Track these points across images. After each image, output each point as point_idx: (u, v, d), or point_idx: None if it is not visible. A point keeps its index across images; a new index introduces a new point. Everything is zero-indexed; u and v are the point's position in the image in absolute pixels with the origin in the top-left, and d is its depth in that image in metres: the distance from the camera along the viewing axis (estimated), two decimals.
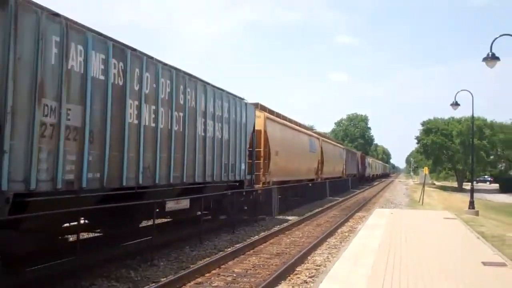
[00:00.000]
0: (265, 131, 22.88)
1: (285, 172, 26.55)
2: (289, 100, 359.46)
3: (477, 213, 28.76)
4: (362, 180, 75.11)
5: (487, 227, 21.91)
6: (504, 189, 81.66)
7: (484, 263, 11.89)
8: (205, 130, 15.29)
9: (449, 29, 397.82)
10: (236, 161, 18.02)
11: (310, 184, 34.90)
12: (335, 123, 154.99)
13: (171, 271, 11.48)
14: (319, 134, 38.16)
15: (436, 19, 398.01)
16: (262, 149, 22.52)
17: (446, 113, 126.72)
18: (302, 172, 31.55)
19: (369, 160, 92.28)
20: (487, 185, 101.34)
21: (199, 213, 16.41)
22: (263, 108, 24.29)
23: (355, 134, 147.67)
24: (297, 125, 32.44)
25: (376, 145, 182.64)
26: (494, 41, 18.42)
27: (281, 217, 23.81)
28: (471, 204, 29.76)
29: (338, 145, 50.14)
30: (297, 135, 30.41)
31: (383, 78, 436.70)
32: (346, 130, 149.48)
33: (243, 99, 19.08)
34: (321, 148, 37.30)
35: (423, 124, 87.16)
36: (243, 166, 18.68)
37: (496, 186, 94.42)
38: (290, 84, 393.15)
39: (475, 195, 34.62)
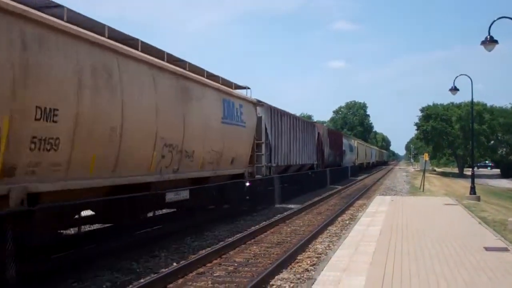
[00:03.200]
0: None
1: None
2: (286, 89, 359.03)
3: (478, 199, 28.76)
4: (336, 173, 45.69)
5: (488, 213, 21.91)
6: (505, 174, 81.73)
7: (486, 248, 11.87)
8: None
9: (448, 14, 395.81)
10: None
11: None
12: (334, 112, 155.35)
13: (173, 262, 11.48)
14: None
15: (435, 4, 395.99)
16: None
17: (446, 98, 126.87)
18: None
19: (351, 142, 64.18)
20: (488, 171, 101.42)
21: None
22: None
23: (354, 122, 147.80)
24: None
25: (376, 133, 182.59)
26: (492, 24, 18.31)
27: None
28: (472, 190, 29.76)
29: (223, 88, 17.42)
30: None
31: (381, 64, 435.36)
32: (344, 118, 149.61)
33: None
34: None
35: (422, 110, 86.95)
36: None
37: (497, 171, 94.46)
38: (287, 73, 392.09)
39: (477, 180, 34.65)
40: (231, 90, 18.54)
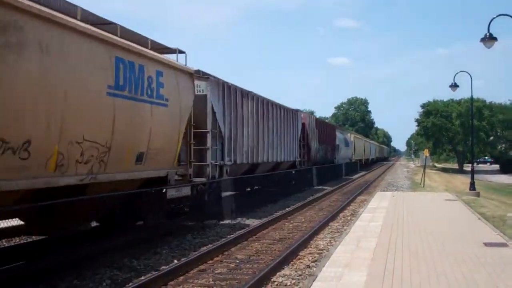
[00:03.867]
0: None
1: None
2: (289, 85, 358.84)
3: (478, 194, 28.83)
4: (326, 172, 39.20)
5: (488, 208, 21.95)
6: (504, 170, 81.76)
7: (486, 244, 11.90)
8: None
9: (449, 11, 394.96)
10: None
11: None
12: (336, 107, 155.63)
13: (174, 259, 11.51)
14: None
15: (436, 1, 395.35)
16: None
17: (446, 95, 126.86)
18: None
19: (347, 136, 57.68)
20: (487, 166, 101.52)
21: None
22: None
23: (355, 118, 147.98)
24: None
25: (377, 129, 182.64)
26: (491, 21, 18.35)
27: None
28: (472, 186, 29.86)
29: (117, 41, 10.96)
30: None
31: (383, 61, 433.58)
32: (346, 114, 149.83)
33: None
34: None
35: (423, 106, 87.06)
36: None
37: (496, 167, 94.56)
38: (290, 69, 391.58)
39: (476, 176, 34.72)
40: (141, 48, 11.94)
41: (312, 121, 35.10)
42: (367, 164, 79.89)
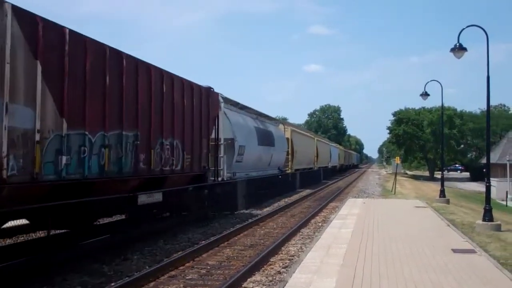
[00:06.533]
0: None
1: None
2: (262, 92, 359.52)
3: (448, 202, 29.28)
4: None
5: (457, 215, 22.29)
6: (474, 178, 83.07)
7: (454, 250, 12.11)
8: None
9: (423, 20, 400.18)
10: None
11: None
12: (309, 115, 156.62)
13: (145, 265, 11.44)
14: None
15: (410, 10, 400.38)
16: None
17: (419, 103, 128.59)
18: None
19: (276, 129, 33.19)
20: (458, 174, 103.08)
21: None
22: None
23: (328, 125, 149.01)
24: None
25: (349, 136, 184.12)
26: (461, 31, 18.67)
27: None
28: (442, 193, 30.31)
29: None
30: None
31: (357, 69, 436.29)
32: (319, 121, 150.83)
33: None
34: None
35: (394, 114, 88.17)
36: None
37: (467, 174, 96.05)
38: (263, 76, 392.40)
39: (447, 183, 35.32)
40: None
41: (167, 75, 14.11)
42: (326, 175, 58.90)
